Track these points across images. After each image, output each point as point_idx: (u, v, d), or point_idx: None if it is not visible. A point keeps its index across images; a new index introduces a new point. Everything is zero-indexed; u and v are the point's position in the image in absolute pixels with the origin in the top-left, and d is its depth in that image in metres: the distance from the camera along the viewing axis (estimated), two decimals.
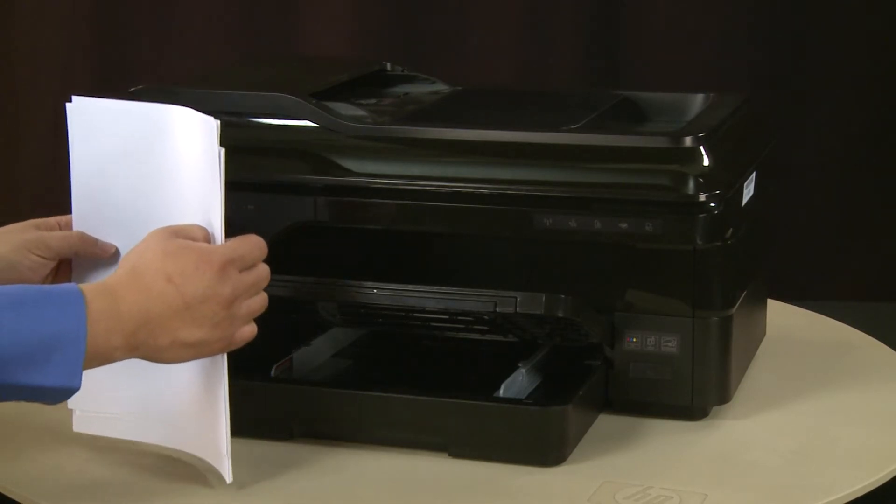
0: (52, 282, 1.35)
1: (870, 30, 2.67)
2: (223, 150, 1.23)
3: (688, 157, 1.37)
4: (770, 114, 2.45)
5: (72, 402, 1.32)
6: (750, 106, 1.59)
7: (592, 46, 2.68)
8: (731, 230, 1.39)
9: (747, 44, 2.67)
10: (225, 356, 1.26)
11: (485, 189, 1.40)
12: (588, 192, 1.37)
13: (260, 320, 1.27)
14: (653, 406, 1.43)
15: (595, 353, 1.44)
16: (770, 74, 2.67)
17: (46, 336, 1.15)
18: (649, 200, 1.36)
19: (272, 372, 1.43)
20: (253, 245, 1.25)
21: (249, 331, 1.25)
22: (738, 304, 1.44)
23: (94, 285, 1.20)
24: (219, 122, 1.24)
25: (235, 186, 1.26)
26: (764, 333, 1.64)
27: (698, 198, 1.36)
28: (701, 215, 1.36)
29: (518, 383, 1.42)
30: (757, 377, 1.54)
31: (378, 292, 1.37)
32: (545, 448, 1.33)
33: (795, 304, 1.80)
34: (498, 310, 1.33)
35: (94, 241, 1.35)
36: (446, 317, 1.40)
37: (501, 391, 1.39)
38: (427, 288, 1.36)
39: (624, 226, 1.36)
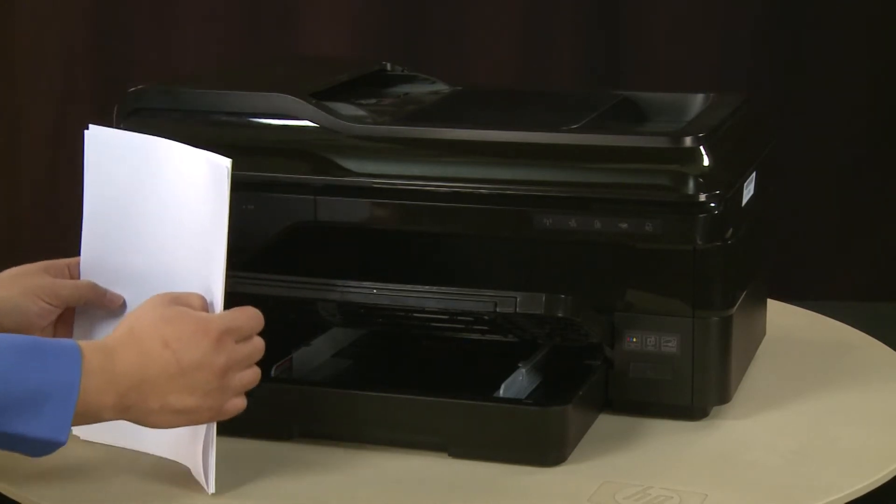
0: (56, 327, 1.36)
1: (870, 30, 2.67)
2: (228, 197, 1.23)
3: (688, 157, 1.37)
4: (770, 114, 2.45)
5: None
6: (750, 106, 1.59)
7: (592, 46, 2.68)
8: (731, 230, 1.39)
9: (747, 44, 2.67)
10: None
11: (484, 189, 1.40)
12: (588, 192, 1.37)
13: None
14: (653, 406, 1.42)
15: (595, 353, 1.44)
16: (770, 74, 2.68)
17: (39, 387, 1.15)
18: (649, 200, 1.36)
19: (272, 372, 1.43)
20: (250, 317, 1.26)
21: (240, 403, 1.26)
22: (738, 304, 1.44)
23: (92, 343, 1.21)
24: (230, 162, 1.24)
25: (236, 186, 1.26)
26: (764, 333, 1.64)
27: (698, 198, 1.35)
28: (701, 215, 1.36)
29: (518, 383, 1.42)
30: (757, 377, 1.54)
31: (378, 292, 1.37)
32: (545, 448, 1.33)
33: (795, 304, 1.79)
34: (498, 310, 1.33)
35: (104, 293, 1.35)
36: (446, 317, 1.40)
37: (501, 391, 1.39)
38: (427, 288, 1.36)
39: (624, 226, 1.36)
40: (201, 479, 1.28)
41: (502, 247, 1.44)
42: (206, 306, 1.26)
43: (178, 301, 1.25)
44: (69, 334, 1.36)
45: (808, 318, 1.76)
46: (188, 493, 1.28)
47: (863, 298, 2.64)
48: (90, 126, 1.35)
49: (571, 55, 2.68)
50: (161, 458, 1.32)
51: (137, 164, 1.32)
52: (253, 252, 1.44)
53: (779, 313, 1.72)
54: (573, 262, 1.42)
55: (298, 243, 1.46)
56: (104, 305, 1.35)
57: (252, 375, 1.26)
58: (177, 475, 1.31)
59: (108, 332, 1.24)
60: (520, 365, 1.44)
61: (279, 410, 1.38)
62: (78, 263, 1.37)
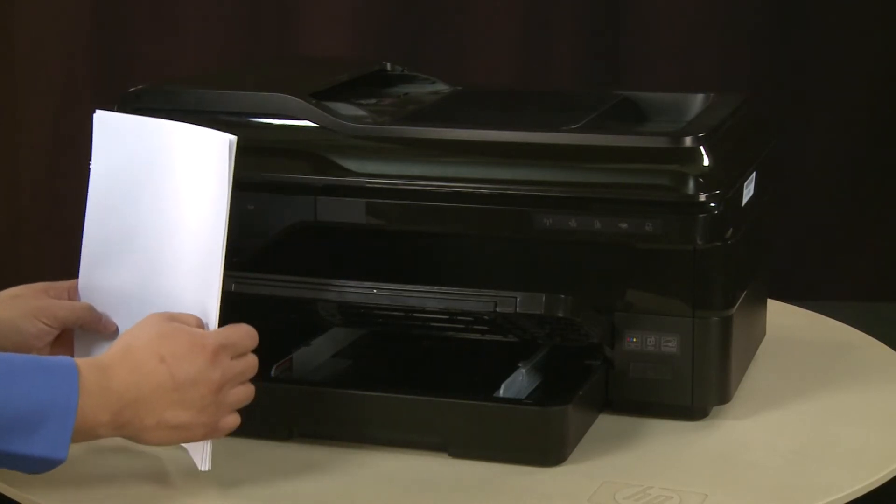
0: (53, 347, 1.37)
1: (870, 30, 2.67)
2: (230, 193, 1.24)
3: (688, 157, 1.37)
4: (770, 114, 2.45)
5: None
6: (750, 106, 1.59)
7: (592, 46, 2.68)
8: (731, 230, 1.39)
9: (747, 44, 2.67)
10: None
11: (484, 189, 1.40)
12: (588, 192, 1.37)
13: (260, 323, 1.27)
14: (653, 406, 1.43)
15: (595, 353, 1.44)
16: (770, 74, 2.67)
17: (37, 405, 1.16)
18: (649, 200, 1.36)
19: (272, 372, 1.43)
20: (244, 333, 1.27)
21: (233, 420, 1.26)
22: (738, 304, 1.44)
23: (88, 360, 1.21)
24: (235, 139, 1.24)
25: (236, 186, 1.26)
26: (764, 333, 1.64)
27: (698, 198, 1.36)
28: (701, 215, 1.36)
29: (518, 383, 1.42)
30: (757, 377, 1.54)
31: (378, 292, 1.37)
32: (545, 448, 1.33)
33: (795, 304, 1.80)
34: (498, 310, 1.33)
35: (99, 318, 1.37)
36: (446, 317, 1.40)
37: (501, 391, 1.39)
38: (427, 288, 1.36)
39: (624, 226, 1.36)
40: (196, 455, 1.28)
41: (502, 247, 1.44)
42: (201, 325, 1.27)
43: (174, 319, 1.26)
44: (67, 355, 1.36)
45: (808, 318, 1.76)
46: (188, 493, 1.28)
47: (863, 298, 2.64)
48: (97, 111, 1.36)
49: (571, 55, 2.68)
50: (161, 457, 1.32)
51: (144, 146, 1.32)
52: (253, 252, 1.44)
53: (779, 313, 1.72)
54: (573, 262, 1.42)
55: (298, 243, 1.46)
56: (98, 330, 1.37)
57: (246, 392, 1.27)
58: (177, 475, 1.31)
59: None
60: (520, 365, 1.44)
61: (279, 410, 1.38)
62: (76, 286, 1.39)
